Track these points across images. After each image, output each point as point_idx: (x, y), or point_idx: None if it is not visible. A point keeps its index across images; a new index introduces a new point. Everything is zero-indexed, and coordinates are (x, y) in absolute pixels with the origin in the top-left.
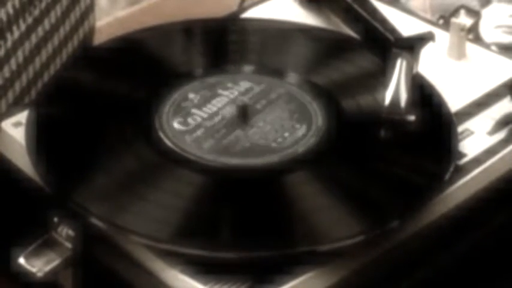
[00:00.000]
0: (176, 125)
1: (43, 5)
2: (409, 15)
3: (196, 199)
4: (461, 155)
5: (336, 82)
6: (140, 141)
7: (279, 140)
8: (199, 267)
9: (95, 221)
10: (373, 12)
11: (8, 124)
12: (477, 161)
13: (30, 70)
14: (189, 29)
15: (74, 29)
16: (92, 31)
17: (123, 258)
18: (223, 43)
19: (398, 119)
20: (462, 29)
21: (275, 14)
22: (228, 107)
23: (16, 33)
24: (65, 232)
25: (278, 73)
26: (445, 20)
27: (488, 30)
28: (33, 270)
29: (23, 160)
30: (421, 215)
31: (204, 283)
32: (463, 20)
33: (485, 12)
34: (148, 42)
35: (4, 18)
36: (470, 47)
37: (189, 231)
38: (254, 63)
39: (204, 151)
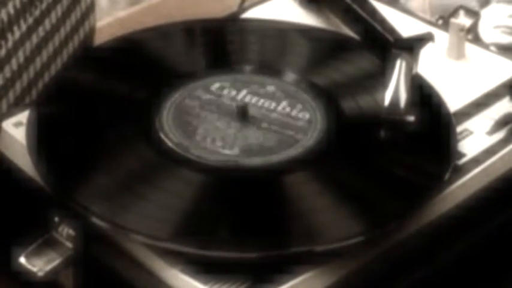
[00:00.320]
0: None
1: (44, 5)
2: (409, 15)
3: (196, 199)
4: (461, 155)
5: (336, 82)
6: (140, 141)
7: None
8: (199, 267)
9: (95, 220)
10: (373, 12)
11: (8, 124)
12: (476, 160)
13: (31, 70)
14: (189, 29)
15: (75, 29)
16: (92, 31)
17: (123, 258)
18: (223, 43)
19: (398, 119)
20: (461, 29)
21: (275, 15)
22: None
23: (17, 34)
24: (65, 232)
25: (278, 73)
26: (444, 20)
27: (488, 30)
28: (34, 269)
29: (23, 160)
30: (420, 215)
31: (204, 282)
32: (462, 20)
33: (484, 13)
34: (148, 43)
35: (5, 18)
36: (470, 48)
37: (189, 231)
38: (254, 64)
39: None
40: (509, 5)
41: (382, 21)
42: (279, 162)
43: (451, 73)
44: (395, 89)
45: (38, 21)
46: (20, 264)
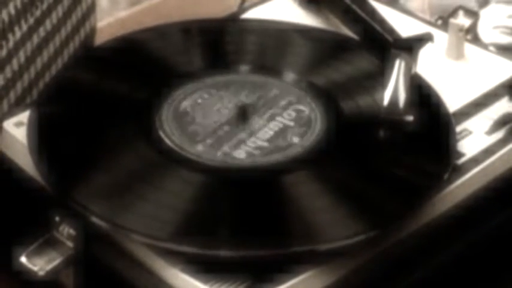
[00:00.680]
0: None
1: (44, 5)
2: (408, 16)
3: (197, 198)
4: (460, 155)
5: (335, 82)
6: (141, 140)
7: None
8: (199, 266)
9: (96, 220)
10: (372, 13)
11: (9, 124)
12: (475, 160)
13: (32, 70)
14: (189, 30)
15: (75, 29)
16: (93, 31)
17: (124, 257)
18: (223, 43)
19: (397, 119)
20: (460, 29)
21: (275, 15)
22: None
23: (18, 34)
24: (66, 231)
25: (277, 73)
26: (443, 20)
27: (487, 30)
28: (35, 268)
29: (24, 160)
30: (420, 215)
31: (205, 282)
32: (462, 20)
33: (483, 13)
34: (148, 43)
35: (6, 18)
36: (469, 48)
37: (189, 230)
38: (254, 64)
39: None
40: (508, 5)
41: (382, 22)
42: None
43: (450, 73)
44: (394, 89)
45: (39, 22)
46: (21, 264)
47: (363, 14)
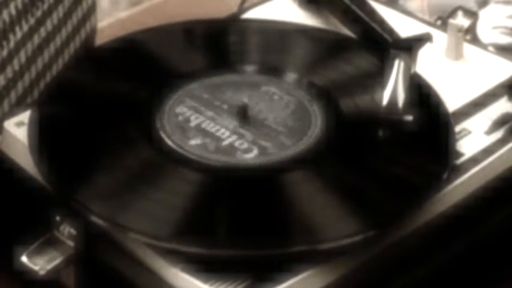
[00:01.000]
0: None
1: (45, 6)
2: (407, 16)
3: (197, 198)
4: (459, 155)
5: (335, 82)
6: (141, 140)
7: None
8: (200, 266)
9: (96, 219)
10: (372, 13)
11: (10, 124)
12: (474, 160)
13: (33, 70)
14: (189, 30)
15: (76, 29)
16: (93, 32)
17: (124, 257)
18: (223, 44)
19: (396, 119)
20: (459, 29)
21: (275, 15)
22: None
23: (18, 34)
24: (67, 231)
25: (278, 73)
26: (442, 21)
27: (486, 31)
28: (36, 268)
29: (25, 159)
30: (419, 214)
31: (205, 281)
32: (461, 21)
33: (482, 13)
34: (149, 43)
35: (7, 19)
36: (468, 48)
37: (189, 230)
38: (254, 64)
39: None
40: (507, 5)
41: (381, 22)
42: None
43: (450, 73)
44: (393, 89)
45: (40, 22)
46: (22, 263)
47: (362, 14)
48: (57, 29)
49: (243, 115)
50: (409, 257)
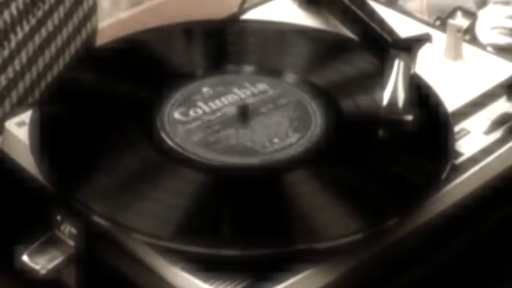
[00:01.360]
0: (178, 124)
1: (46, 6)
2: (407, 16)
3: (197, 197)
4: (458, 154)
5: (335, 82)
6: (142, 140)
7: (279, 139)
8: (200, 265)
9: (97, 219)
10: (371, 13)
11: (11, 124)
12: (473, 160)
13: (34, 71)
14: (190, 30)
15: (77, 30)
16: (94, 32)
17: (125, 256)
18: (223, 44)
19: (396, 119)
20: (459, 30)
21: (275, 16)
22: (230, 107)
23: (20, 35)
24: (67, 230)
25: (277, 73)
26: (441, 21)
27: (485, 31)
28: (37, 267)
29: (26, 159)
30: (418, 213)
31: (205, 280)
32: (460, 21)
33: (481, 14)
34: (150, 43)
35: (8, 19)
36: (467, 48)
37: (190, 229)
38: (254, 64)
39: (205, 150)
40: (506, 6)
41: (381, 22)
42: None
43: (449, 73)
44: (393, 89)
45: (41, 22)
46: (23, 262)
47: (362, 15)
48: (58, 29)
49: (243, 115)
50: (409, 256)
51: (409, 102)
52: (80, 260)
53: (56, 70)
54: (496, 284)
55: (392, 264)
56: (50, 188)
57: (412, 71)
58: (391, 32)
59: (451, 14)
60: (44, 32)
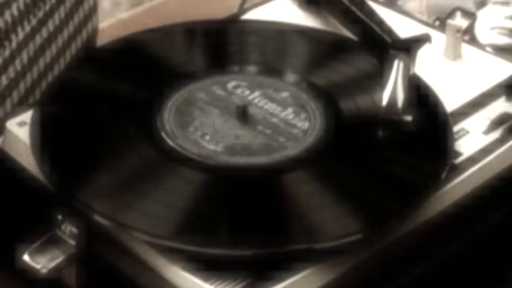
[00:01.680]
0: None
1: (47, 6)
2: (406, 17)
3: (198, 197)
4: (457, 154)
5: (334, 83)
6: (142, 140)
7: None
8: (200, 264)
9: (98, 218)
10: (371, 14)
11: (12, 124)
12: (473, 159)
13: (35, 71)
14: (190, 30)
15: (78, 30)
16: (95, 32)
17: (125, 255)
18: (223, 44)
19: (396, 119)
20: (458, 30)
21: (275, 16)
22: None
23: (21, 35)
24: (68, 229)
25: (277, 74)
26: (441, 21)
27: (484, 31)
28: (38, 266)
29: (27, 159)
30: (417, 213)
31: (205, 279)
32: (459, 21)
33: (480, 14)
34: (150, 43)
35: (9, 19)
36: (466, 48)
37: (190, 229)
38: (254, 64)
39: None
40: (505, 6)
41: (380, 23)
42: (279, 161)
43: (448, 73)
44: (393, 89)
45: (42, 23)
46: (24, 262)
47: (361, 15)
48: (58, 29)
49: (243, 115)
50: (408, 256)
51: (408, 102)
52: (81, 260)
53: (56, 70)
54: (496, 283)
55: (392, 264)
56: (51, 188)
57: (411, 72)
58: (390, 32)
59: (451, 14)
60: (44, 32)
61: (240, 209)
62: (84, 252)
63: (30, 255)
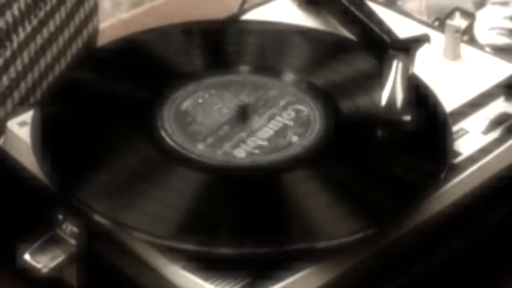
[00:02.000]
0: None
1: (48, 7)
2: (405, 17)
3: (198, 196)
4: (456, 154)
5: (334, 83)
6: (142, 140)
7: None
8: (200, 264)
9: (98, 218)
10: (370, 14)
11: (13, 123)
12: (472, 159)
13: (36, 71)
14: (190, 31)
15: (78, 30)
16: (95, 33)
17: (125, 255)
18: (223, 44)
19: (395, 119)
20: (457, 30)
21: (275, 16)
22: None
23: (22, 35)
24: (69, 229)
25: (277, 74)
26: (440, 22)
27: (483, 31)
28: (38, 266)
29: (28, 159)
30: (417, 213)
31: (205, 279)
32: (458, 22)
33: (479, 15)
34: (150, 44)
35: (10, 20)
36: (465, 49)
37: (190, 228)
38: (254, 64)
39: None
40: (504, 7)
41: (379, 23)
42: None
43: (447, 74)
44: (392, 89)
45: (43, 23)
46: (25, 261)
47: (361, 16)
48: (59, 30)
49: (243, 115)
50: (407, 255)
51: (407, 102)
52: (81, 259)
53: (57, 70)
54: (495, 283)
55: (391, 264)
56: (52, 187)
57: (410, 72)
58: (389, 32)
59: (450, 14)
60: (45, 32)
61: (240, 209)
62: (85, 252)
63: (31, 254)
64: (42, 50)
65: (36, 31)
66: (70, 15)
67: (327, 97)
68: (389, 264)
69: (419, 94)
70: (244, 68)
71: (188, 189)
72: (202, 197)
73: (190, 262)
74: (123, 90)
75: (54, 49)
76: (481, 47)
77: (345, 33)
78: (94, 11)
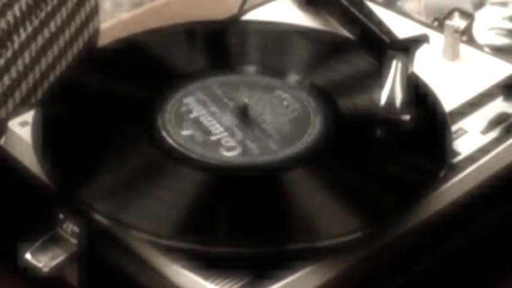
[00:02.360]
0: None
1: (49, 7)
2: (405, 17)
3: (198, 196)
4: (455, 154)
5: (334, 82)
6: (143, 140)
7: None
8: (201, 263)
9: (99, 217)
10: (370, 14)
11: (15, 123)
12: (471, 159)
13: (37, 71)
14: (190, 31)
15: (79, 31)
16: (96, 33)
17: (126, 254)
18: (224, 44)
19: (394, 119)
20: (456, 31)
21: (275, 16)
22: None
23: (23, 35)
24: (70, 228)
25: (277, 73)
26: (439, 22)
27: (482, 32)
28: (39, 265)
29: (29, 159)
30: (416, 212)
31: (206, 278)
32: (457, 22)
33: (478, 15)
34: (151, 44)
35: (11, 20)
36: (464, 49)
37: (190, 228)
38: (254, 64)
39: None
40: (503, 7)
41: (379, 23)
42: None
43: (446, 74)
44: (391, 89)
45: (44, 23)
46: (26, 260)
47: (360, 16)
48: (60, 30)
49: (244, 114)
50: (406, 254)
51: (406, 102)
52: (82, 258)
53: (58, 70)
54: (494, 283)
55: (391, 263)
56: (53, 187)
57: (409, 71)
58: (389, 32)
59: (449, 15)
60: (46, 33)
61: (240, 208)
62: (86, 251)
63: (32, 253)
64: (43, 50)
65: (37, 31)
66: (71, 16)
67: (326, 97)
68: (389, 263)
69: (418, 94)
70: (244, 68)
71: (188, 189)
72: (203, 196)
73: (190, 261)
74: (124, 90)
75: (55, 49)
76: (480, 47)
77: (345, 33)
78: (95, 11)
